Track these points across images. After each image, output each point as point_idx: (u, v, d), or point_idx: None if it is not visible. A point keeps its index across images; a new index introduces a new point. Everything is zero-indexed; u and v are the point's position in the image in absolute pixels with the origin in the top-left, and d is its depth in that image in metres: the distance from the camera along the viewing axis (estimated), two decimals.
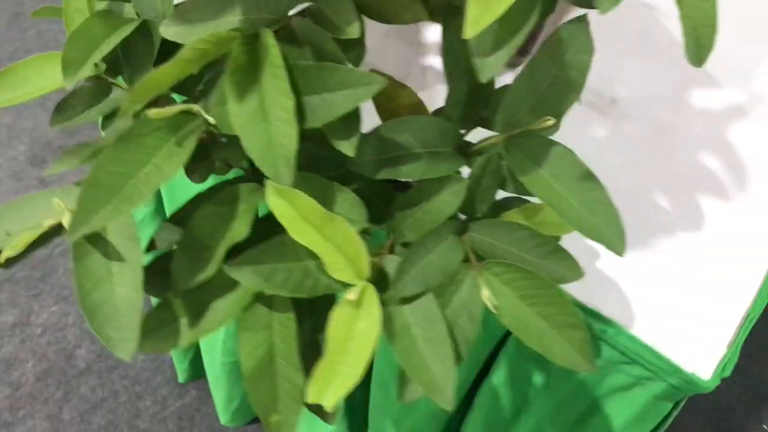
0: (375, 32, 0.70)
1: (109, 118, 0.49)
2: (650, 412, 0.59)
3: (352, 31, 0.40)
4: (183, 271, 0.42)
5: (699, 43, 0.41)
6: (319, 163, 0.46)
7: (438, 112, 0.49)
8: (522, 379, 0.65)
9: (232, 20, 0.42)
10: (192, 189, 0.48)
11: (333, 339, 0.39)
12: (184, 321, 0.43)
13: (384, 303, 0.43)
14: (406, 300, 0.43)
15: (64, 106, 0.50)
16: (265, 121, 0.39)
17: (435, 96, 0.51)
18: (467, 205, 0.46)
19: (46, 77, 0.49)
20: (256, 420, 1.31)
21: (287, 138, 0.38)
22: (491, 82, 0.46)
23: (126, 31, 0.46)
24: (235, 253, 0.42)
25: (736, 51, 0.72)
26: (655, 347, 0.54)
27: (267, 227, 0.43)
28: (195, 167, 0.48)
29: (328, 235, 0.40)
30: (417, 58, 0.68)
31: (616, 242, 0.43)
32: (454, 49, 0.43)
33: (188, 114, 0.41)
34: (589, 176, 0.44)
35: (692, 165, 0.64)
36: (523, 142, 0.44)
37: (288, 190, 0.39)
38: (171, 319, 0.44)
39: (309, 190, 0.42)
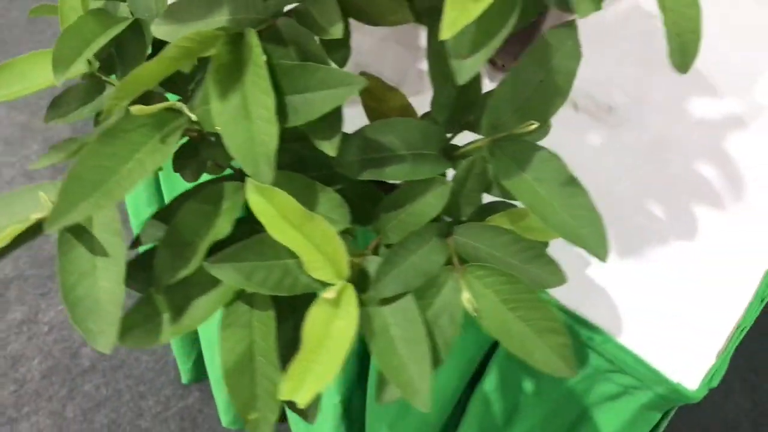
0: (374, 36, 0.71)
1: (101, 115, 0.49)
2: (639, 422, 0.58)
3: (336, 32, 0.40)
4: (165, 267, 0.43)
5: (684, 50, 0.41)
6: (306, 163, 0.46)
7: (426, 115, 0.49)
8: (513, 386, 0.65)
9: (220, 20, 0.43)
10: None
11: (309, 337, 0.39)
12: (166, 317, 0.44)
13: (364, 303, 0.43)
14: (386, 301, 0.43)
15: (59, 103, 0.51)
16: (247, 119, 0.39)
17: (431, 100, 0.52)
18: (452, 207, 0.46)
19: (42, 74, 0.50)
20: None
21: (268, 136, 0.39)
22: (477, 86, 0.47)
23: (118, 29, 0.46)
24: (217, 251, 0.42)
25: (738, 61, 0.71)
26: (643, 356, 0.54)
27: (250, 227, 0.44)
28: (184, 164, 0.48)
29: (307, 233, 0.40)
30: (414, 62, 0.69)
31: (599, 247, 0.43)
32: (439, 52, 0.43)
33: (174, 111, 0.42)
34: (572, 181, 0.44)
35: (688, 174, 0.63)
36: (508, 145, 0.44)
37: (268, 188, 0.39)
38: (153, 315, 0.44)
39: (292, 189, 0.42)
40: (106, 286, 0.41)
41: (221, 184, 0.44)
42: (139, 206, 0.93)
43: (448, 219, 0.48)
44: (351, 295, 0.41)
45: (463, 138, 0.48)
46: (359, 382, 0.89)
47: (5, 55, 1.76)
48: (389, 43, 0.69)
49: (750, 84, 0.69)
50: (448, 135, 0.47)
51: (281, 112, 0.40)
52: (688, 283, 0.58)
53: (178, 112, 0.42)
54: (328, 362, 0.39)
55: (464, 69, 0.36)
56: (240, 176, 0.46)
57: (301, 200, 0.42)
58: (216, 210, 0.43)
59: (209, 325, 0.94)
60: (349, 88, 0.39)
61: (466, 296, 0.43)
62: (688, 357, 0.54)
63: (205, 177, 0.50)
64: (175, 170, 0.48)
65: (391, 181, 0.48)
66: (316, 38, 0.43)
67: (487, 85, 0.62)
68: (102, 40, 0.45)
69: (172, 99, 0.46)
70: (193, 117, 0.40)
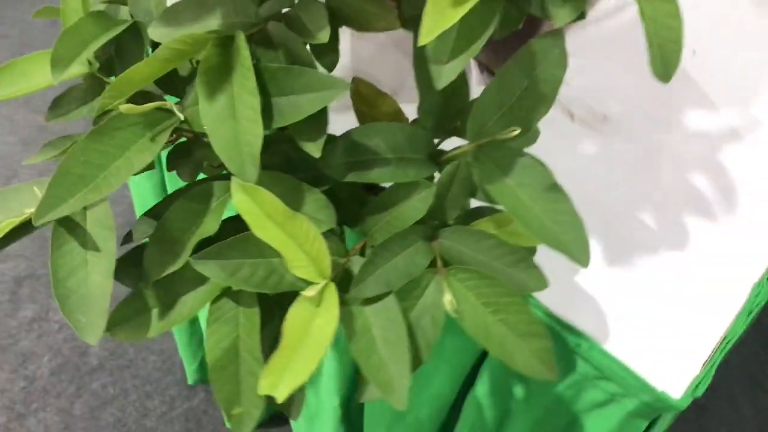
0: (374, 43, 0.72)
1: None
2: (626, 430, 0.58)
3: (322, 37, 0.41)
4: (154, 263, 0.44)
5: (665, 60, 0.41)
6: (295, 165, 0.47)
7: (416, 120, 0.50)
8: (504, 392, 0.66)
9: (213, 23, 0.44)
10: None
11: (289, 333, 0.40)
12: (155, 311, 0.45)
13: (347, 303, 0.44)
14: (369, 301, 0.44)
15: (60, 103, 0.52)
16: (233, 119, 0.40)
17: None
18: (438, 211, 0.47)
19: (43, 73, 0.51)
20: (261, 425, 1.32)
21: (253, 136, 0.40)
22: (465, 93, 0.47)
23: (116, 31, 0.48)
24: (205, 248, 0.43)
25: (736, 73, 0.72)
26: (629, 364, 0.54)
27: (240, 225, 0.45)
28: (177, 164, 0.49)
29: (290, 232, 0.41)
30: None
31: (580, 253, 0.43)
32: (424, 59, 0.44)
33: (165, 111, 0.43)
34: (555, 187, 0.44)
35: (680, 184, 0.63)
36: (492, 151, 0.45)
37: (252, 186, 0.40)
38: (143, 310, 0.45)
39: (278, 189, 0.43)
40: (96, 279, 0.43)
41: (211, 184, 0.45)
42: (146, 204, 0.95)
43: (436, 222, 0.48)
44: (332, 294, 0.41)
45: (455, 144, 0.49)
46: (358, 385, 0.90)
47: None
48: (389, 49, 0.70)
49: (747, 97, 0.69)
50: (437, 140, 0.48)
51: (268, 113, 0.41)
52: (677, 293, 0.58)
53: (169, 112, 0.43)
54: (307, 359, 0.40)
55: (443, 74, 0.37)
56: (230, 175, 0.47)
57: (288, 200, 0.43)
58: (205, 208, 0.44)
59: None
60: (333, 92, 0.40)
61: (447, 297, 0.44)
62: (674, 366, 0.54)
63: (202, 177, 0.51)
64: (169, 170, 0.49)
65: (382, 185, 0.49)
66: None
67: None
68: (100, 42, 0.47)
69: (172, 101, 0.47)
70: (181, 116, 0.41)
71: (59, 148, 0.46)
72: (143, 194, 0.94)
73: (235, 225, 0.45)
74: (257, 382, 0.44)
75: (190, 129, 0.45)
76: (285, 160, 0.47)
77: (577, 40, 0.73)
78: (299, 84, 0.40)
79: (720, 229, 0.61)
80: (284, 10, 0.45)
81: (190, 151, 0.49)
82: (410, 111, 0.50)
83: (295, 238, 0.41)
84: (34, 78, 0.51)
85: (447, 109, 0.47)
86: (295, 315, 0.40)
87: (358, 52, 0.69)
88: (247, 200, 0.41)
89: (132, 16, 0.50)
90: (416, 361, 0.44)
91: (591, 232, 0.61)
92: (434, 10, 0.35)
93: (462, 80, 0.47)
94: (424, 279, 0.45)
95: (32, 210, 0.45)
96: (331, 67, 0.46)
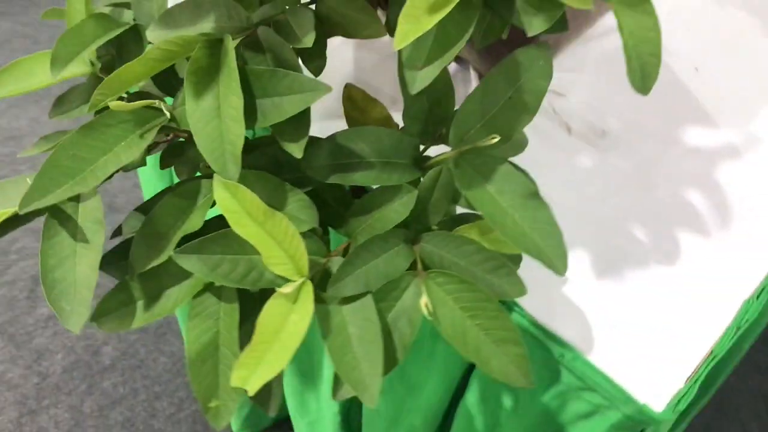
0: (376, 53, 0.73)
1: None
2: None
3: (307, 41, 0.43)
4: (140, 257, 0.45)
5: (644, 73, 0.42)
6: (281, 166, 0.48)
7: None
8: (493, 402, 0.66)
9: (206, 26, 0.45)
10: None
11: (264, 328, 0.41)
12: (140, 304, 0.46)
13: (324, 301, 0.44)
14: (346, 300, 0.44)
15: (63, 101, 0.54)
16: (218, 119, 0.41)
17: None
18: (421, 215, 0.48)
19: (46, 72, 0.53)
20: (267, 427, 1.33)
21: (235, 135, 0.41)
22: (450, 100, 0.48)
23: (116, 32, 0.49)
24: None
25: (738, 91, 0.72)
26: (613, 375, 0.54)
27: (224, 224, 0.46)
28: (170, 163, 0.51)
29: (269, 230, 0.42)
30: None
31: (557, 261, 0.44)
32: None
33: (154, 110, 0.44)
34: (534, 196, 0.45)
35: (674, 200, 0.64)
36: (473, 158, 0.46)
37: (233, 184, 0.41)
38: (128, 301, 0.46)
39: (262, 188, 0.44)
40: (83, 270, 0.44)
41: (199, 181, 0.46)
42: None
43: (419, 226, 0.49)
44: (308, 291, 0.42)
45: (443, 150, 0.50)
46: None
47: None
48: (390, 59, 0.72)
49: (747, 115, 0.69)
50: (423, 147, 0.49)
51: (252, 114, 0.42)
52: (666, 307, 0.58)
53: (158, 110, 0.44)
54: (279, 354, 0.41)
55: (417, 80, 0.38)
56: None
57: (271, 199, 0.44)
58: (191, 205, 0.46)
59: None
60: (315, 93, 0.41)
61: (424, 300, 0.45)
62: (658, 379, 0.54)
63: None
64: (161, 168, 0.51)
65: (366, 188, 0.50)
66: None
67: None
68: (99, 42, 0.48)
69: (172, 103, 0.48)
70: (168, 115, 0.42)
71: (53, 141, 0.47)
72: (153, 189, 0.96)
73: (222, 224, 0.46)
74: None
75: (183, 129, 0.47)
76: (273, 162, 0.48)
77: (578, 55, 0.73)
78: (282, 86, 0.41)
79: (712, 244, 0.61)
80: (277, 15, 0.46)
81: (183, 150, 0.51)
82: None
83: (273, 235, 0.42)
84: (38, 76, 0.53)
85: (432, 115, 0.48)
86: (270, 311, 0.41)
87: (360, 62, 0.70)
88: (228, 197, 0.42)
89: (134, 19, 0.52)
90: (392, 362, 0.45)
91: (582, 243, 0.63)
92: (410, 16, 0.36)
93: (448, 87, 0.47)
94: (403, 281, 0.46)
95: None
96: (317, 71, 0.47)
